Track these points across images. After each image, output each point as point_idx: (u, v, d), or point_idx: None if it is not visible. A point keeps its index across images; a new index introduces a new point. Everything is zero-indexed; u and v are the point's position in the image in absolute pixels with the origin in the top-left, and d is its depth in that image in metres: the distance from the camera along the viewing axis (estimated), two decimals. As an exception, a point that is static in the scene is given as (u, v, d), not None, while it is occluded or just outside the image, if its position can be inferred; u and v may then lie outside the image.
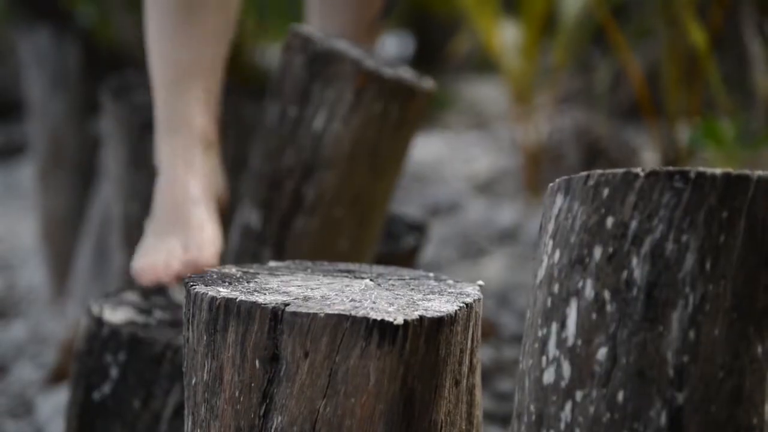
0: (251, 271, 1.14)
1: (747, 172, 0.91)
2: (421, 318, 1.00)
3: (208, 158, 1.49)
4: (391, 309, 1.01)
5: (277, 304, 1.00)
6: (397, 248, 1.79)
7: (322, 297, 1.04)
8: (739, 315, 0.90)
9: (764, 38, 3.08)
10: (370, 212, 1.59)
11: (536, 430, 0.96)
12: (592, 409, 0.92)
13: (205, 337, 1.03)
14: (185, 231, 1.42)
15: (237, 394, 1.01)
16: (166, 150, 1.48)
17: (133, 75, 2.04)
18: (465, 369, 1.07)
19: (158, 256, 1.42)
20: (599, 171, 0.95)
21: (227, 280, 1.09)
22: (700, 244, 0.90)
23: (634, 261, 0.91)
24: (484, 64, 5.05)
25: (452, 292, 1.09)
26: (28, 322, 2.65)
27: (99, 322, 1.35)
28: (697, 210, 0.90)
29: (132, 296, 1.44)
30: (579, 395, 0.93)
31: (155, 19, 1.46)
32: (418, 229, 1.89)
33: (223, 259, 1.51)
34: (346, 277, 1.14)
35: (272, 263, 1.20)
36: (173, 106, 1.46)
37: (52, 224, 2.81)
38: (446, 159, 3.91)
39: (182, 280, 1.37)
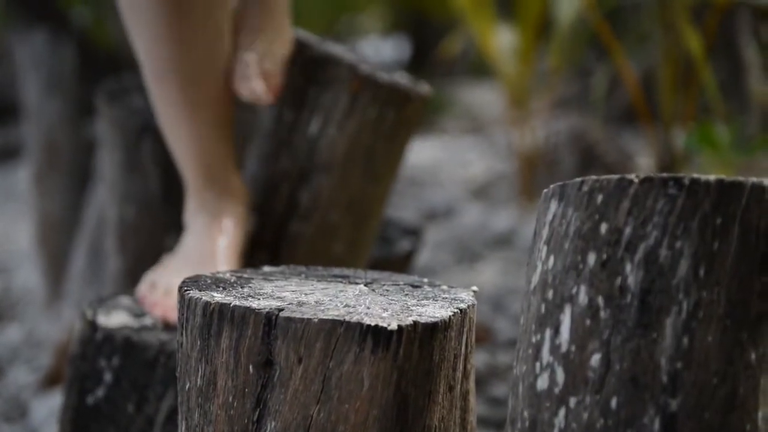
0: (245, 276, 1.14)
1: (741, 178, 0.91)
2: (415, 323, 1.00)
3: (238, 211, 1.49)
4: (385, 314, 1.01)
5: (271, 309, 1.00)
6: (392, 253, 1.79)
7: (316, 302, 1.04)
8: (732, 321, 0.90)
9: (759, 44, 3.08)
10: (366, 217, 1.59)
11: (530, 436, 0.96)
12: (585, 416, 0.92)
13: (198, 342, 1.03)
14: None
15: (231, 399, 1.01)
16: (197, 202, 1.49)
17: (129, 78, 2.04)
18: (459, 374, 1.07)
19: (154, 294, 1.42)
20: (593, 177, 0.95)
21: (221, 285, 1.09)
22: (694, 250, 0.90)
23: (628, 267, 0.91)
24: (480, 68, 5.06)
25: (446, 298, 1.09)
26: (23, 325, 2.64)
27: (93, 326, 1.35)
28: (691, 216, 0.90)
29: (126, 300, 1.44)
30: (572, 401, 0.93)
31: (165, 109, 1.46)
32: (413, 233, 1.89)
33: None
34: (341, 282, 1.14)
35: (267, 268, 1.20)
36: (206, 175, 1.48)
37: (47, 227, 2.80)
38: (442, 163, 3.91)
39: (169, 322, 1.37)
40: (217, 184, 1.48)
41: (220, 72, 1.46)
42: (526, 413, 0.96)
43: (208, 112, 1.45)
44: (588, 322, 0.92)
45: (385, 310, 1.03)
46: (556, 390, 0.94)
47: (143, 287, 1.44)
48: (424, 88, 1.58)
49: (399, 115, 1.55)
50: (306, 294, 1.07)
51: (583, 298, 0.93)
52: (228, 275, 1.14)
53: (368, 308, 1.03)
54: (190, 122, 1.45)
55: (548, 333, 0.95)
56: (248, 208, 1.52)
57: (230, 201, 1.49)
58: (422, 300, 1.08)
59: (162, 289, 1.41)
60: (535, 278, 0.98)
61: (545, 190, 0.99)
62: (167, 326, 1.37)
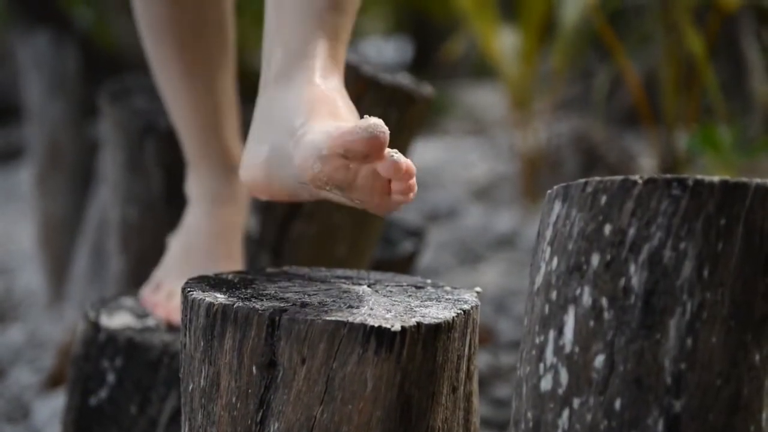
0: (248, 277, 1.14)
1: (745, 179, 0.91)
2: (419, 324, 1.00)
3: (238, 192, 1.47)
4: (388, 315, 1.01)
5: (274, 310, 1.00)
6: (395, 254, 1.79)
7: (319, 303, 1.04)
8: (736, 323, 0.90)
9: (762, 45, 3.08)
10: (368, 218, 1.59)
11: (533, 437, 0.96)
12: (589, 417, 0.92)
13: (202, 343, 1.03)
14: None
15: (234, 400, 1.01)
16: (197, 180, 1.47)
17: (132, 79, 2.04)
18: (462, 375, 1.07)
19: (158, 296, 1.41)
20: (597, 178, 0.94)
21: (224, 286, 1.09)
22: (698, 251, 0.90)
23: (632, 268, 0.91)
24: (483, 69, 5.05)
25: (450, 299, 1.09)
26: (26, 325, 2.64)
27: (96, 327, 1.35)
28: (695, 217, 0.90)
29: (129, 301, 1.44)
30: (576, 402, 0.93)
31: (167, 76, 1.43)
32: (416, 234, 1.89)
33: None
34: (344, 283, 1.14)
35: (270, 269, 1.20)
36: (204, 143, 1.44)
37: (49, 228, 2.81)
38: (444, 165, 3.91)
39: (172, 324, 1.37)
40: (214, 153, 1.44)
41: (221, 32, 1.44)
42: (529, 414, 0.96)
43: (204, 72, 1.43)
44: (592, 323, 0.92)
45: (389, 311, 1.03)
46: (560, 391, 0.94)
47: (148, 288, 1.44)
48: (427, 89, 1.58)
49: (402, 117, 1.55)
50: (309, 295, 1.07)
51: (586, 299, 0.93)
52: (231, 276, 1.14)
53: (371, 309, 1.03)
54: (184, 81, 1.42)
55: (552, 334, 0.95)
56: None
57: (228, 178, 1.46)
58: (425, 301, 1.08)
59: (166, 290, 1.41)
60: (539, 279, 0.97)
61: (549, 191, 0.99)
62: (170, 327, 1.36)
